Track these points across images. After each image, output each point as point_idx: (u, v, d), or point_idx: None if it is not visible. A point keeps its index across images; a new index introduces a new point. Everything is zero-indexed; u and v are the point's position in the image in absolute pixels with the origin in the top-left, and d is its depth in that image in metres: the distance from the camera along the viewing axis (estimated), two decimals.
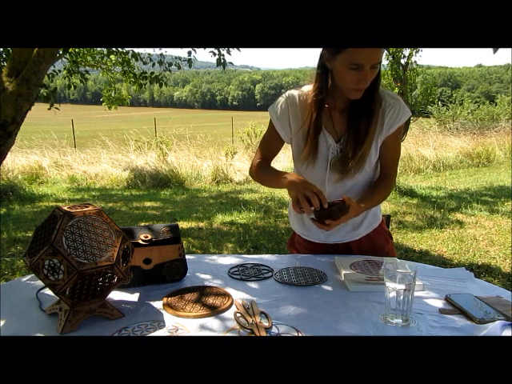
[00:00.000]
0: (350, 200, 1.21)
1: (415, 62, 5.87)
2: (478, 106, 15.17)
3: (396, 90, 5.79)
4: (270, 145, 1.47)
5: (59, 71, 4.77)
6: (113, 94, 6.04)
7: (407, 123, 5.91)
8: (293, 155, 1.45)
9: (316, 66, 1.32)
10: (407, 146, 9.09)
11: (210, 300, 1.14)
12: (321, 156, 1.37)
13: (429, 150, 9.45)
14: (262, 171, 1.45)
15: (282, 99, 1.39)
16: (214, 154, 8.77)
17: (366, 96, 1.28)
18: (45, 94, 3.62)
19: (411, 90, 6.00)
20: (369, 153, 1.34)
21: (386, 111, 1.33)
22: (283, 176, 1.32)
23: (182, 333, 0.99)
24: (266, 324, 1.01)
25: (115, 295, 1.18)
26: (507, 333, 0.96)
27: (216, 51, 4.56)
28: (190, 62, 4.87)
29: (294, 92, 1.39)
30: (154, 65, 5.22)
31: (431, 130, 11.41)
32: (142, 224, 4.41)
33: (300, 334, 0.97)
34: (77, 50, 4.79)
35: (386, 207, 5.33)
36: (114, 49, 5.06)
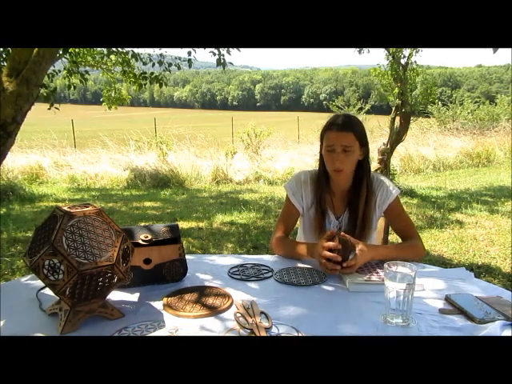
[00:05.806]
0: (345, 235, 1.32)
1: (415, 62, 5.86)
2: (478, 106, 15.09)
3: (396, 90, 5.78)
4: (288, 218, 1.64)
5: (59, 71, 4.76)
6: (113, 94, 6.02)
7: (407, 123, 5.91)
8: (303, 227, 1.67)
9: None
10: (407, 146, 9.09)
11: (210, 300, 1.14)
12: (324, 230, 1.55)
13: (429, 149, 9.45)
14: (284, 245, 1.57)
15: (294, 178, 1.64)
16: (213, 153, 8.76)
17: (358, 185, 1.54)
18: (45, 94, 3.61)
19: (411, 90, 5.98)
20: (369, 228, 1.56)
21: (376, 193, 1.55)
22: (302, 248, 1.48)
23: (182, 333, 0.99)
24: (266, 324, 1.01)
25: (115, 295, 1.18)
26: (507, 333, 0.96)
27: (216, 51, 4.54)
28: (189, 62, 4.86)
29: (306, 172, 1.64)
30: (153, 65, 5.20)
31: (431, 130, 11.41)
32: (142, 224, 4.41)
33: (300, 334, 0.97)
34: (77, 49, 4.78)
35: None
36: (114, 49, 5.05)
